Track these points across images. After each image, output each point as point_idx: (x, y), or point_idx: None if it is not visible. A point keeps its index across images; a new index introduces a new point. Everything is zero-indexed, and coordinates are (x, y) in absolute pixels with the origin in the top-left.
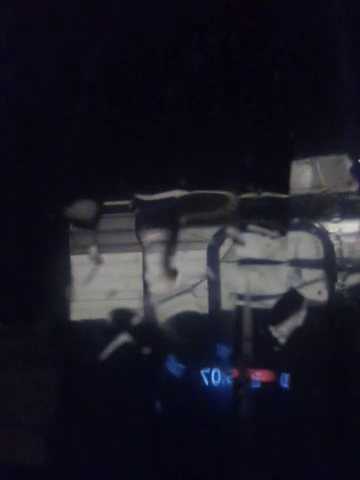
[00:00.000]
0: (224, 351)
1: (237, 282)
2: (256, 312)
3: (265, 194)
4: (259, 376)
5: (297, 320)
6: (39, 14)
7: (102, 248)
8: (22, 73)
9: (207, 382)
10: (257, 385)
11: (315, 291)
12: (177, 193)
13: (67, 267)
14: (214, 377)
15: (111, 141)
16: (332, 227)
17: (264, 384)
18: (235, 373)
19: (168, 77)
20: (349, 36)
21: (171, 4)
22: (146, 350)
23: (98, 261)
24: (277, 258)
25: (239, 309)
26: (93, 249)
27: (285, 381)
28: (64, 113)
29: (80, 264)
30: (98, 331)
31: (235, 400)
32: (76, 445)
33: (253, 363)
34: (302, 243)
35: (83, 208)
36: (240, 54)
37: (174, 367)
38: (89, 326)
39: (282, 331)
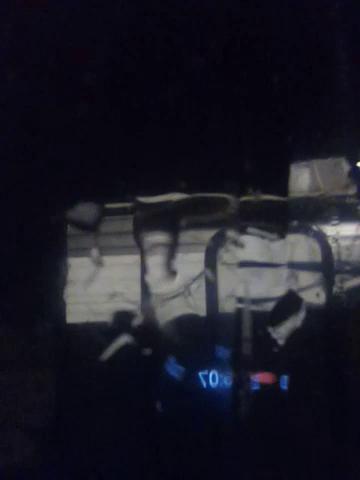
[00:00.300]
0: (223, 353)
1: (236, 284)
2: (255, 314)
3: (264, 197)
4: (258, 378)
5: (296, 322)
6: (40, 18)
7: (103, 250)
8: (23, 76)
9: (206, 384)
10: (256, 387)
11: (313, 293)
12: (177, 196)
13: (67, 270)
14: (213, 379)
15: (112, 144)
16: (330, 230)
17: (263, 386)
18: (235, 375)
19: (168, 81)
20: (346, 42)
21: (172, 9)
22: (146, 352)
23: (99, 263)
24: (276, 260)
25: (238, 311)
26: (94, 251)
27: (284, 383)
28: (65, 116)
29: (81, 266)
30: (98, 333)
31: (234, 402)
32: (75, 445)
33: (252, 365)
34: (300, 246)
35: (84, 210)
36: (239, 59)
37: (174, 369)
38: (89, 328)
39: (281, 333)
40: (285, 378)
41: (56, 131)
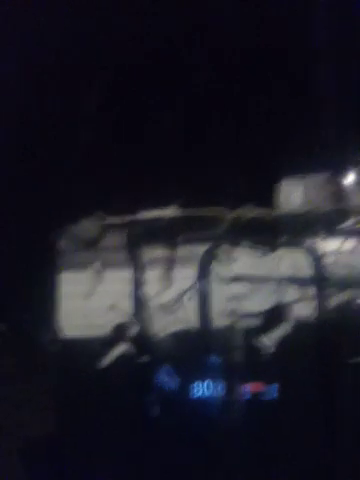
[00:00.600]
0: (216, 363)
1: (229, 296)
2: (247, 325)
3: (256, 212)
4: (249, 387)
5: (284, 332)
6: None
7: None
8: (23, 103)
9: (199, 393)
10: (248, 396)
11: (303, 305)
12: (173, 211)
13: (64, 284)
14: (206, 388)
15: (111, 162)
16: (320, 243)
17: (254, 395)
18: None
19: (165, 105)
20: (334, 66)
21: (164, 38)
22: (141, 362)
23: (99, 277)
24: (267, 273)
25: (231, 322)
26: (95, 266)
27: (275, 391)
28: (65, 135)
29: (81, 280)
30: (93, 345)
31: (226, 410)
32: (72, 452)
33: (244, 375)
34: (291, 259)
35: (84, 226)
36: (232, 82)
37: (168, 379)
38: (85, 340)
39: (270, 343)
40: (275, 386)
41: (57, 149)
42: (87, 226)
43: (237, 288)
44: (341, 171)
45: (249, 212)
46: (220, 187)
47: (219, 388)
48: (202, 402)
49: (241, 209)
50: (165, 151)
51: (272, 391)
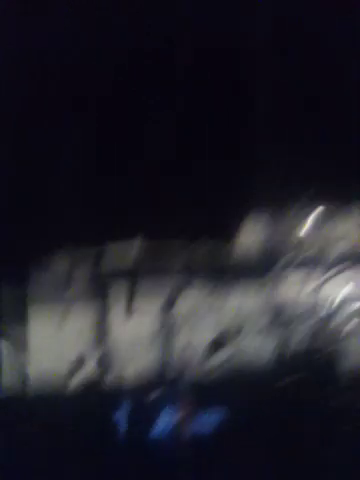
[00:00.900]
0: (172, 394)
1: (190, 330)
2: (203, 357)
3: (218, 245)
4: (201, 415)
5: (242, 364)
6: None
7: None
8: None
9: (157, 422)
10: (200, 424)
11: (263, 338)
12: (137, 243)
13: (34, 316)
14: (163, 417)
15: (80, 195)
16: (276, 276)
17: (205, 421)
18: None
19: (128, 142)
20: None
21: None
22: (102, 396)
23: (69, 310)
24: (226, 306)
25: (188, 355)
26: (64, 297)
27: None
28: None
29: (49, 313)
30: (61, 376)
31: (181, 439)
32: None
33: (195, 404)
34: (254, 292)
35: (57, 258)
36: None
37: (130, 410)
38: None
39: (224, 374)
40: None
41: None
42: (58, 258)
43: (197, 320)
44: (298, 205)
45: (208, 245)
46: (184, 220)
47: (175, 418)
48: (160, 432)
49: (200, 241)
50: (129, 185)
51: (221, 419)
